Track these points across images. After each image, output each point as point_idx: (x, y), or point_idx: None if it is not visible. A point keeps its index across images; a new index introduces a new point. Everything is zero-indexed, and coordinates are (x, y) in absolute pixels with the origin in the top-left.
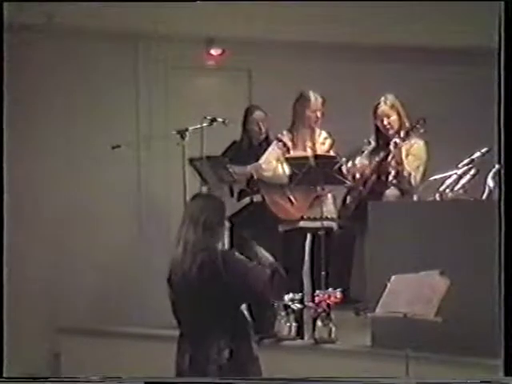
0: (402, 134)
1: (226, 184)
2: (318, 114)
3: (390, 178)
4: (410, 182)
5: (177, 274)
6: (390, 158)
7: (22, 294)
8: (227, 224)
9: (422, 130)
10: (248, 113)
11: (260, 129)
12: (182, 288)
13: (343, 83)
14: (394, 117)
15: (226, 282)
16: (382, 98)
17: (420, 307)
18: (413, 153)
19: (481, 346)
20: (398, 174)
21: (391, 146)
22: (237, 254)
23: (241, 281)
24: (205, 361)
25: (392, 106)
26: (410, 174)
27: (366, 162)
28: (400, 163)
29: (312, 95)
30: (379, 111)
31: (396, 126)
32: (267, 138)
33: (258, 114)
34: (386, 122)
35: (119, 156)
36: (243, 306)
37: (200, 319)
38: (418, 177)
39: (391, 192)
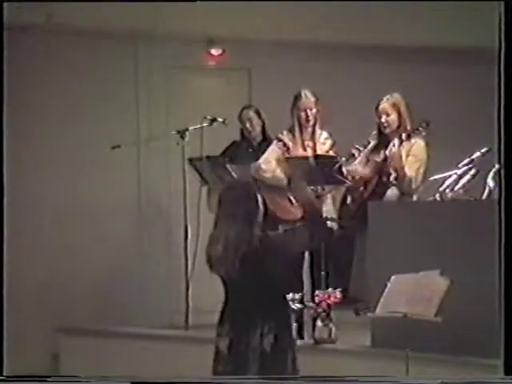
0: (404, 136)
1: (226, 184)
2: (309, 112)
3: (391, 178)
4: (410, 185)
5: (218, 270)
6: (390, 159)
7: (22, 294)
8: (261, 207)
9: (424, 133)
10: (240, 112)
11: (252, 126)
12: (224, 280)
13: (343, 83)
14: (392, 116)
15: (267, 267)
16: (387, 96)
17: (420, 307)
18: (413, 153)
19: (481, 345)
20: (398, 176)
21: (392, 147)
22: (270, 232)
23: (282, 252)
24: (245, 347)
25: (393, 105)
26: (410, 177)
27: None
28: (400, 165)
29: (302, 93)
30: (380, 108)
31: (394, 126)
32: (266, 137)
33: (247, 112)
34: (383, 120)
35: (119, 156)
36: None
37: (243, 306)
38: (419, 179)
39: (392, 192)
